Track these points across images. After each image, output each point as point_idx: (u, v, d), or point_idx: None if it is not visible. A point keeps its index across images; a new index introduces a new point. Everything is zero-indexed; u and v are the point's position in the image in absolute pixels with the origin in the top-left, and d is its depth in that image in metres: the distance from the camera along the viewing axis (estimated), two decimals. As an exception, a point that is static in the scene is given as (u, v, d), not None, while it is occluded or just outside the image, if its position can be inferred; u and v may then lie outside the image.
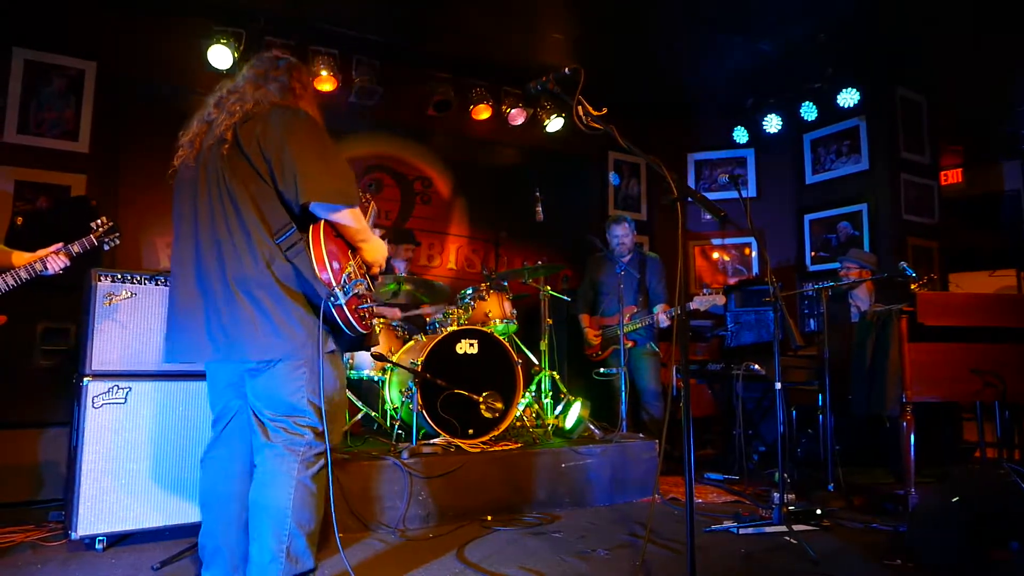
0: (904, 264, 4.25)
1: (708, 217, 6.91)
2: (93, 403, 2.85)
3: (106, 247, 2.98)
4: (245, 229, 2.04)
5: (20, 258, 2.78)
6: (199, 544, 2.29)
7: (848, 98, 5.86)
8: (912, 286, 4.20)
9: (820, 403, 4.12)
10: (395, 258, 5.13)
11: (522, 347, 4.57)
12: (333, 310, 2.10)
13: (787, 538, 3.17)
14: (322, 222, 2.12)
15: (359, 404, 4.11)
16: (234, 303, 2.03)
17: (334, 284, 2.07)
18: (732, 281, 6.72)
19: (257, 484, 2.13)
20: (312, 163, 2.05)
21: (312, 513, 2.12)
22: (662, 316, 4.80)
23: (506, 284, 4.59)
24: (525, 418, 4.39)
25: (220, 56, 4.83)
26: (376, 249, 2.30)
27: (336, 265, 2.10)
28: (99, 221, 2.94)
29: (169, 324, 2.20)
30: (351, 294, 2.08)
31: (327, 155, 2.10)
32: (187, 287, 2.11)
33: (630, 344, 4.84)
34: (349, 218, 2.15)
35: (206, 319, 2.06)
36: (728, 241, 7.03)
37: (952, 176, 8.43)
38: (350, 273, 2.11)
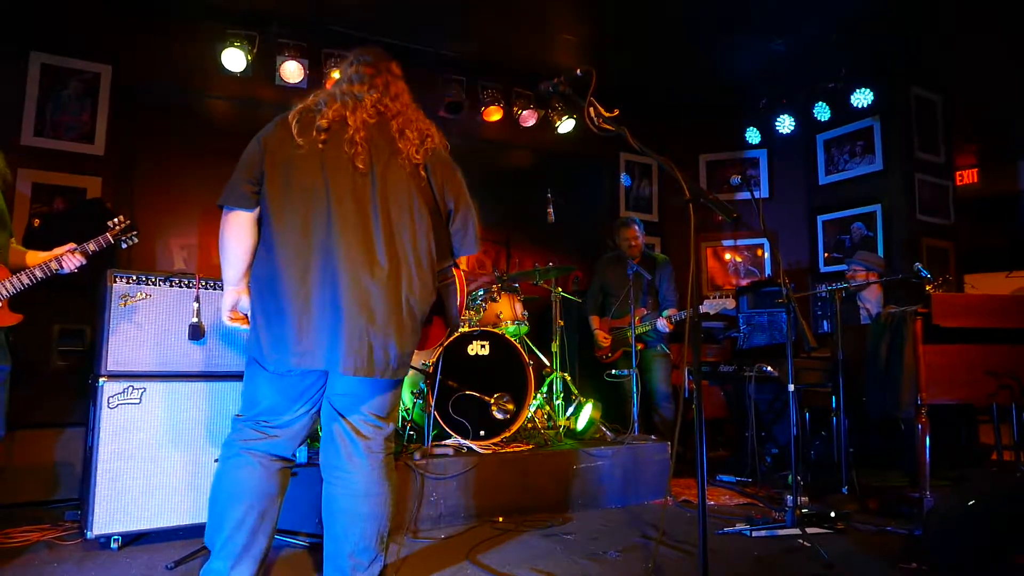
0: (919, 265, 4.22)
1: (720, 218, 6.88)
2: (108, 403, 2.88)
3: (124, 245, 2.96)
4: (423, 253, 2.19)
5: (35, 257, 2.79)
6: (224, 539, 2.14)
7: (862, 98, 5.81)
8: (927, 287, 4.17)
9: (834, 405, 4.09)
10: None
11: (533, 348, 4.57)
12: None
13: (800, 541, 3.15)
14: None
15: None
16: (403, 322, 2.12)
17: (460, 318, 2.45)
18: (744, 282, 6.69)
19: (360, 494, 2.19)
20: (477, 222, 2.38)
21: (393, 509, 2.31)
22: (661, 322, 4.80)
23: (517, 285, 4.59)
24: (537, 420, 4.39)
25: (234, 59, 4.87)
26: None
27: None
28: (116, 220, 2.92)
29: (310, 324, 2.05)
30: None
31: (475, 209, 2.38)
32: (354, 296, 2.05)
33: (640, 346, 4.83)
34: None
35: (374, 333, 2.06)
36: (740, 242, 7.00)
37: (967, 176, 8.37)
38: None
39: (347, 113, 2.20)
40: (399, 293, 2.11)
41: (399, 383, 2.27)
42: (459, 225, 2.34)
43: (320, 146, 2.14)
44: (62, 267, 2.77)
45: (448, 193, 2.30)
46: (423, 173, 2.25)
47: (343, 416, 2.21)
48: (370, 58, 2.37)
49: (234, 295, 2.20)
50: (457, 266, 2.40)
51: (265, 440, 2.18)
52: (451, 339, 3.84)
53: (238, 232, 2.14)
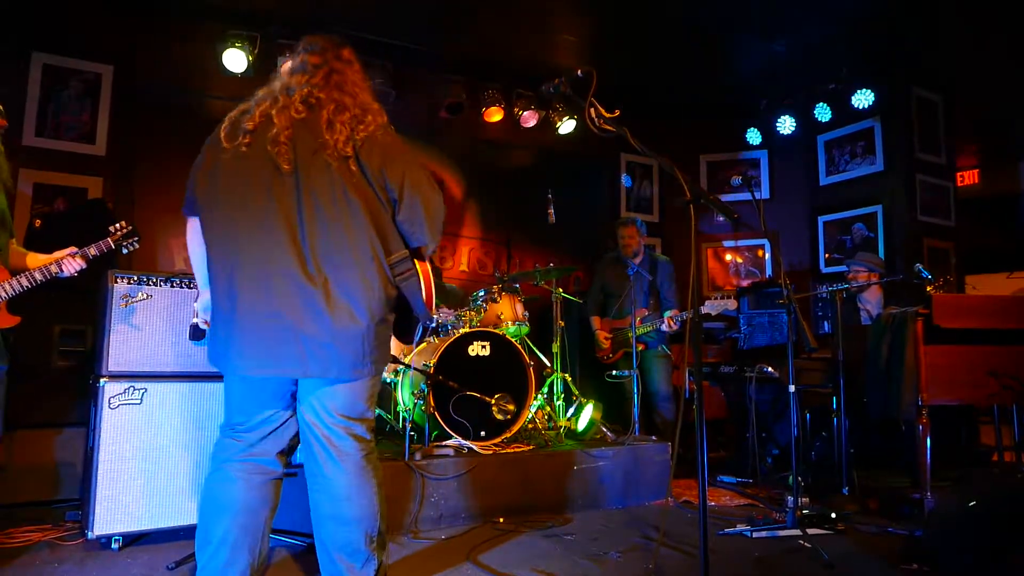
0: (920, 266, 4.22)
1: (721, 219, 6.88)
2: (109, 404, 2.88)
3: (125, 251, 2.94)
4: (366, 251, 2.06)
5: (36, 260, 2.78)
6: (208, 555, 2.10)
7: (863, 99, 5.81)
8: (928, 288, 4.17)
9: (834, 406, 4.08)
10: None
11: (534, 349, 4.57)
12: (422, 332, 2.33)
13: (801, 542, 3.15)
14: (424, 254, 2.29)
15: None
16: (349, 324, 2.02)
17: (434, 313, 2.27)
18: (745, 283, 6.69)
19: (341, 498, 2.13)
20: (434, 207, 2.18)
21: (384, 509, 2.22)
22: (665, 323, 4.80)
23: (518, 286, 4.59)
24: (537, 420, 4.39)
25: (235, 60, 4.87)
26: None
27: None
28: (118, 225, 2.90)
29: (241, 329, 2.01)
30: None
31: (436, 194, 2.20)
32: (284, 297, 1.99)
33: (641, 347, 4.83)
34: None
35: (309, 334, 1.99)
36: (741, 243, 7.00)
37: (968, 177, 8.37)
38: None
39: (273, 112, 2.11)
40: (331, 292, 2.01)
41: (363, 382, 2.15)
42: (405, 215, 2.15)
43: (244, 149, 2.09)
44: (62, 271, 2.75)
45: (389, 181, 2.11)
46: (354, 165, 2.08)
47: (312, 421, 2.15)
48: (317, 46, 2.26)
49: (204, 298, 2.24)
50: (422, 257, 2.25)
51: (242, 448, 2.15)
52: (452, 340, 3.84)
53: (193, 237, 2.22)
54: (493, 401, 3.85)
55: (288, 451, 2.26)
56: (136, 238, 2.94)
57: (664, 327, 4.81)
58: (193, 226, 2.20)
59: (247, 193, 2.07)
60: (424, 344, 4.24)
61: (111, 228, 2.88)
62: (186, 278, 3.12)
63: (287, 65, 2.29)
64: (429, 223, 2.16)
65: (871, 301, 4.78)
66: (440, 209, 2.21)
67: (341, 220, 2.04)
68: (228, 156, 2.10)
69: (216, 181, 2.11)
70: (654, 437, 4.34)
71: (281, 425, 2.20)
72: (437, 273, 5.62)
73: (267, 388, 2.15)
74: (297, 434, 2.23)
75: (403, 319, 2.27)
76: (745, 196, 6.83)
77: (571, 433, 4.42)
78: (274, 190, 2.05)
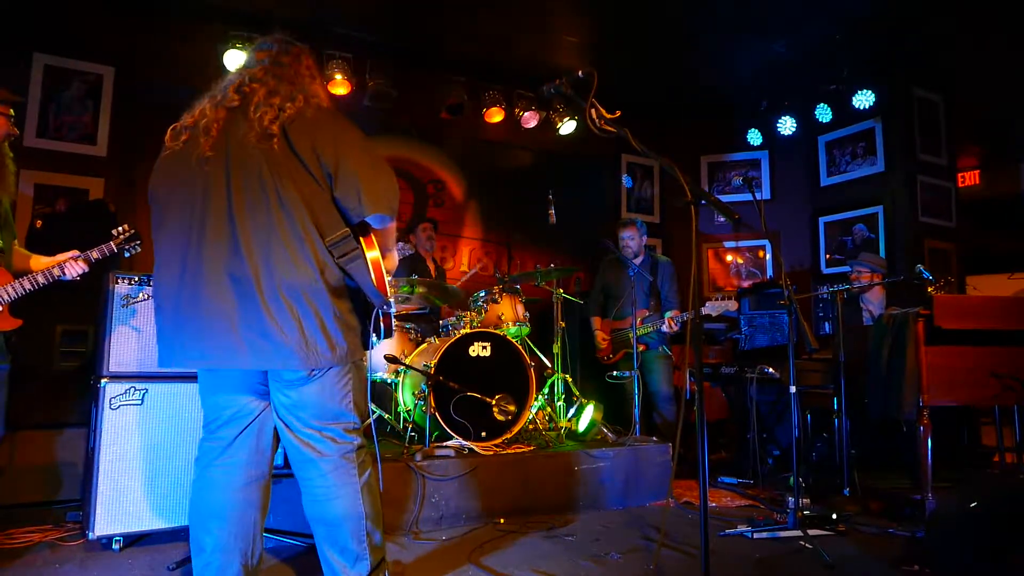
0: (921, 267, 4.21)
1: (722, 220, 6.88)
2: (110, 404, 2.88)
3: (127, 254, 2.93)
4: (297, 233, 1.98)
5: (38, 262, 2.79)
6: (203, 563, 2.09)
7: (864, 100, 5.81)
8: (929, 289, 4.17)
9: (835, 407, 4.08)
10: (417, 245, 5.30)
11: (535, 350, 4.57)
12: (381, 317, 2.18)
13: (802, 543, 3.14)
14: (372, 232, 2.16)
15: (372, 407, 4.12)
16: (284, 310, 1.95)
17: (389, 294, 2.13)
18: (746, 284, 6.69)
19: (321, 499, 2.11)
20: (371, 177, 2.05)
21: (378, 506, 2.19)
22: (666, 324, 4.80)
23: (519, 287, 4.59)
24: (538, 421, 4.39)
25: (236, 61, 4.87)
26: (395, 258, 2.33)
27: (387, 276, 2.17)
28: (120, 228, 2.90)
29: (178, 325, 2.00)
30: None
31: (379, 165, 2.10)
32: (216, 288, 1.95)
33: (642, 348, 4.83)
34: (392, 228, 2.20)
35: (243, 324, 1.94)
36: (742, 244, 7.00)
37: (969, 178, 8.37)
38: (390, 282, 2.18)
39: (207, 105, 2.11)
40: (263, 280, 1.94)
41: (327, 379, 2.07)
42: (341, 190, 2.03)
43: (180, 147, 2.08)
44: (64, 274, 2.76)
45: (322, 157, 2.01)
46: (281, 145, 2.00)
47: (287, 429, 2.12)
48: (267, 43, 2.30)
49: None
50: (367, 234, 2.14)
51: (220, 450, 2.13)
52: (453, 340, 3.84)
53: None
54: (494, 402, 3.85)
55: (271, 451, 2.22)
56: (138, 241, 2.93)
57: (665, 328, 4.81)
58: None
59: (179, 188, 2.06)
60: (425, 344, 4.24)
61: (113, 231, 2.89)
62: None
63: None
64: (366, 193, 2.02)
65: (874, 302, 4.78)
66: (382, 179, 2.08)
67: (269, 203, 1.97)
68: (167, 156, 2.13)
69: (158, 180, 2.14)
70: (655, 438, 4.33)
71: (254, 420, 2.16)
72: (441, 274, 5.62)
73: (228, 379, 2.13)
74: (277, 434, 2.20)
75: (364, 307, 2.17)
76: (746, 197, 6.83)
77: (572, 434, 4.42)
78: (205, 181, 2.02)
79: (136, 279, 3.01)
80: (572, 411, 4.49)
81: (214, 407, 2.16)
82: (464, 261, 6.27)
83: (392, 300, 2.11)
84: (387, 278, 2.19)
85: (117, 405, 2.89)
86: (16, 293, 2.67)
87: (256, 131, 2.01)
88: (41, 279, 2.71)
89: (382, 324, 2.20)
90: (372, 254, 2.13)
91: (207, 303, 1.95)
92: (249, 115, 2.04)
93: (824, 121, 6.18)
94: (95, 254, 2.83)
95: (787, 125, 6.41)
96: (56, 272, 2.74)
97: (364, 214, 2.05)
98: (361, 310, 2.16)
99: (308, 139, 2.02)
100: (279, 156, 2.00)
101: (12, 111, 2.77)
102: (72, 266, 2.77)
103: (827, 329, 5.35)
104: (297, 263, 1.97)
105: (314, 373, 2.05)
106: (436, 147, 6.16)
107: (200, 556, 2.09)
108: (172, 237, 2.04)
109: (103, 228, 2.93)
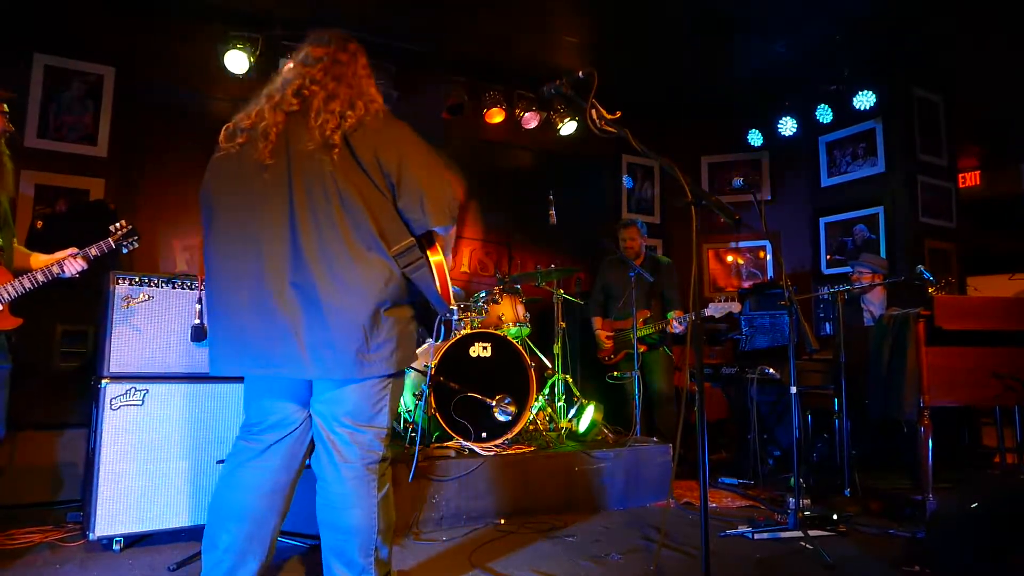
0: (921, 267, 4.21)
1: (723, 220, 6.87)
2: (111, 405, 2.88)
3: (125, 250, 2.94)
4: (364, 242, 1.97)
5: (38, 261, 2.79)
6: (214, 560, 2.09)
7: (864, 100, 5.81)
8: (929, 289, 4.17)
9: (836, 407, 4.08)
10: None
11: (535, 350, 4.57)
12: (442, 325, 2.16)
13: (802, 543, 3.14)
14: (437, 237, 2.17)
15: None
16: (347, 321, 1.94)
17: (453, 303, 2.10)
18: (747, 284, 6.69)
19: (336, 507, 2.09)
20: (435, 186, 2.05)
21: (391, 521, 2.17)
22: (674, 324, 4.79)
23: (519, 287, 4.59)
24: (538, 421, 4.39)
25: (236, 61, 4.87)
26: (450, 261, 2.30)
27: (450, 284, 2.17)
28: (118, 224, 2.91)
29: (239, 331, 1.98)
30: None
31: (443, 173, 2.10)
32: (279, 296, 1.94)
33: (642, 348, 4.82)
34: (452, 234, 2.20)
35: (308, 332, 1.94)
36: (743, 244, 6.99)
37: (970, 178, 8.38)
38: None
39: (266, 107, 2.08)
40: (325, 288, 1.93)
41: (372, 383, 2.07)
42: (404, 200, 2.03)
43: (237, 149, 2.07)
44: (64, 271, 2.77)
45: (385, 165, 2.01)
46: (344, 154, 2.00)
47: (320, 423, 2.12)
48: (323, 39, 2.25)
49: None
50: (432, 244, 2.14)
51: (257, 453, 2.12)
52: (453, 341, 3.84)
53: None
54: (494, 402, 3.85)
55: (301, 463, 2.21)
56: (136, 237, 2.94)
57: (675, 327, 4.79)
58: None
59: (237, 192, 2.05)
60: (425, 345, 4.24)
61: (111, 228, 2.90)
62: (187, 279, 3.13)
63: (290, 63, 2.25)
64: (430, 205, 2.02)
65: (875, 302, 4.78)
66: (445, 188, 2.07)
67: (333, 212, 1.96)
68: (222, 157, 2.10)
69: (211, 183, 2.11)
70: (655, 438, 4.33)
71: (296, 429, 2.15)
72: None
73: (278, 385, 2.12)
74: (312, 446, 2.19)
75: (422, 314, 2.18)
76: (747, 197, 6.83)
77: (572, 434, 4.42)
78: (265, 187, 2.01)
79: (137, 279, 3.01)
80: (572, 412, 4.49)
81: (259, 411, 2.15)
82: (464, 261, 6.26)
83: (455, 308, 2.09)
84: (451, 285, 2.19)
85: (118, 406, 2.89)
86: (16, 292, 2.67)
87: (317, 140, 2.00)
88: (41, 277, 2.72)
89: (442, 331, 2.19)
90: (436, 259, 2.14)
91: (270, 311, 1.95)
92: (310, 123, 2.03)
93: (824, 122, 6.16)
94: (93, 251, 2.84)
95: (787, 126, 6.40)
96: (55, 270, 2.75)
97: (428, 225, 2.06)
98: (421, 318, 2.17)
99: (370, 148, 2.02)
100: (342, 165, 1.99)
101: (7, 107, 2.77)
102: (71, 263, 2.78)
103: (828, 330, 5.35)
104: (362, 273, 1.97)
105: (370, 378, 2.05)
106: (436, 147, 6.14)
107: (212, 553, 2.08)
108: (229, 242, 2.04)
109: (103, 228, 2.93)
